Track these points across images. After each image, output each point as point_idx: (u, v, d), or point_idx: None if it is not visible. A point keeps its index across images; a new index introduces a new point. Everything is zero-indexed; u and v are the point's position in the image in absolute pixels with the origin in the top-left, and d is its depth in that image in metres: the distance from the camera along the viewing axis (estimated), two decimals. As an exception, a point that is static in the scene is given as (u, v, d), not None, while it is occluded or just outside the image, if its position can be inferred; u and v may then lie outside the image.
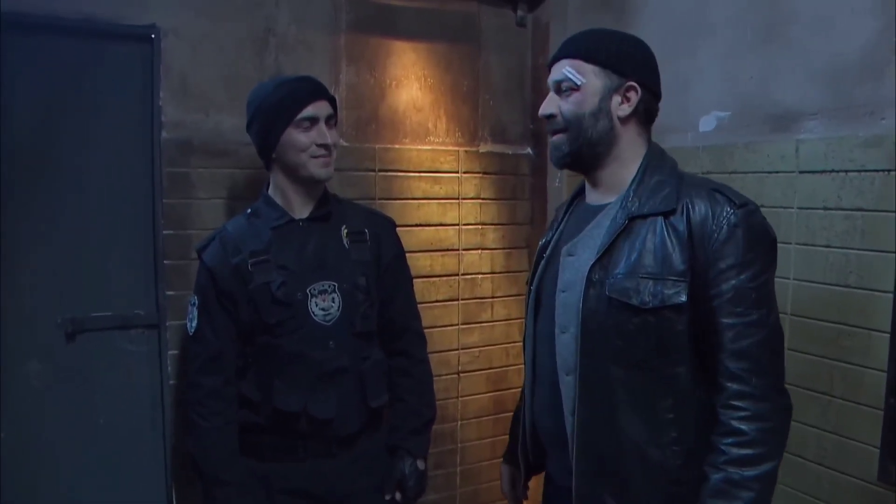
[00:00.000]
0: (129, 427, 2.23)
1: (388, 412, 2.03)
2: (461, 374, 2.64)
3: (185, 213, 2.18)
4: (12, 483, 2.08)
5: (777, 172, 1.94)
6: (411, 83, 2.45)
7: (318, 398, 1.85)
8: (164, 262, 2.18)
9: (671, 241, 1.39)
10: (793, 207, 1.90)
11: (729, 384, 1.35)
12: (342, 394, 1.88)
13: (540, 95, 2.56)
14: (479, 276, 2.62)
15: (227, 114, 2.19)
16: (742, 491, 1.31)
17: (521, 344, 2.59)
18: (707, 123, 2.13)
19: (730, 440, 1.33)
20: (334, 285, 1.87)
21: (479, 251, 2.61)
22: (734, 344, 1.34)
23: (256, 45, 2.23)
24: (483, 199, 2.60)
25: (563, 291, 1.52)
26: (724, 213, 1.37)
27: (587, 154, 1.49)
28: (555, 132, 1.51)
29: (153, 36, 2.12)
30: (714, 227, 1.37)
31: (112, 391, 2.20)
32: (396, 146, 2.44)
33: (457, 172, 2.54)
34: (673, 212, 1.41)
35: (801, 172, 1.88)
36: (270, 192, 1.92)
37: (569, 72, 1.47)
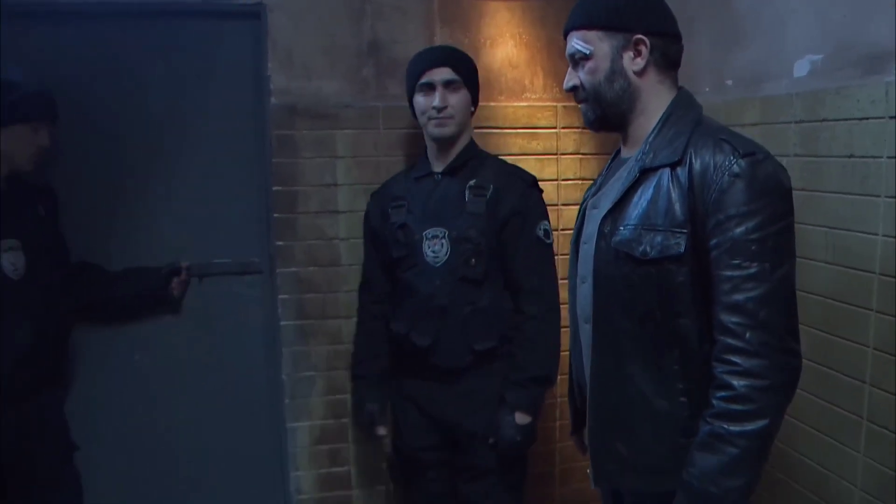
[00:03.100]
0: (245, 362, 2.56)
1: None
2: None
3: (291, 171, 2.42)
4: (140, 403, 2.51)
5: (867, 119, 1.76)
6: (506, 41, 2.49)
7: (420, 327, 2.12)
8: (274, 215, 2.43)
9: (674, 193, 1.38)
10: (882, 157, 1.73)
11: (721, 337, 1.33)
12: (442, 329, 2.11)
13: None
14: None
15: (326, 80, 2.39)
16: (726, 446, 1.30)
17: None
18: (801, 68, 1.96)
19: (720, 394, 1.32)
20: (445, 232, 2.11)
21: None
22: (728, 297, 1.31)
23: (353, 14, 2.39)
24: (583, 154, 2.59)
25: (585, 243, 1.57)
26: (727, 163, 1.33)
27: (612, 115, 1.51)
28: (580, 101, 1.54)
29: (261, 13, 2.35)
30: (715, 178, 1.33)
31: (230, 330, 2.53)
32: (492, 104, 2.50)
33: (554, 128, 2.54)
34: (679, 163, 1.40)
35: (890, 118, 1.70)
36: (427, 150, 2.23)
37: (577, 44, 1.48)
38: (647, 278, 1.40)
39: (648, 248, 1.39)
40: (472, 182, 2.13)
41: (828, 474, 1.85)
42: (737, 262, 1.31)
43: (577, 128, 2.57)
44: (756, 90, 2.10)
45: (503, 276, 2.15)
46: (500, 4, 2.47)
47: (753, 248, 1.30)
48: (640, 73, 1.46)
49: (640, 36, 1.43)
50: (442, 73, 2.09)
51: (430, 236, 2.12)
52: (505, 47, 2.48)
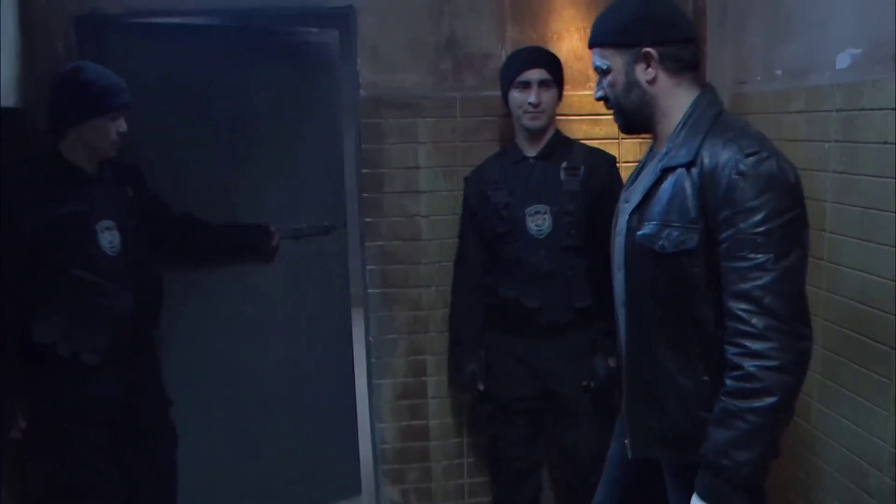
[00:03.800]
0: (324, 303, 3.06)
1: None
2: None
3: (378, 155, 2.72)
4: (234, 352, 2.93)
5: (901, 109, 1.94)
6: (571, 35, 2.73)
7: (528, 291, 2.43)
8: (363, 195, 2.75)
9: (688, 191, 1.53)
10: (915, 145, 1.90)
11: (731, 323, 1.47)
12: (548, 291, 2.42)
13: (701, 37, 2.71)
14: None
15: (409, 74, 2.67)
16: (737, 421, 1.44)
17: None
18: (842, 61, 2.13)
19: (732, 374, 1.46)
20: (547, 208, 2.42)
21: (640, 187, 2.83)
22: (736, 286, 1.46)
23: (433, 14, 2.66)
24: (644, 137, 2.79)
25: (618, 235, 1.73)
26: (733, 162, 1.47)
27: (637, 120, 1.69)
28: (609, 108, 1.72)
29: (350, 14, 2.64)
30: (722, 176, 1.47)
31: (314, 278, 3.02)
32: (559, 93, 2.74)
33: (616, 115, 2.77)
34: (693, 163, 1.54)
35: (919, 109, 1.87)
36: (516, 136, 2.52)
37: (597, 61, 1.68)
38: (666, 270, 1.57)
39: (666, 244, 1.55)
40: (564, 164, 2.45)
41: (861, 432, 2.03)
42: (743, 253, 1.44)
43: (637, 114, 2.78)
44: (802, 80, 2.27)
45: (595, 243, 2.41)
46: (566, 1, 2.71)
47: (759, 240, 1.43)
48: (652, 82, 1.61)
49: (647, 49, 1.58)
50: (537, 74, 2.39)
51: (532, 213, 2.43)
52: (570, 41, 2.72)
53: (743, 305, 1.44)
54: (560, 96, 2.49)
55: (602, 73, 1.67)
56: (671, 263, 1.56)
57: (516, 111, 2.45)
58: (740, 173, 1.46)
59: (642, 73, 1.61)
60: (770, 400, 1.42)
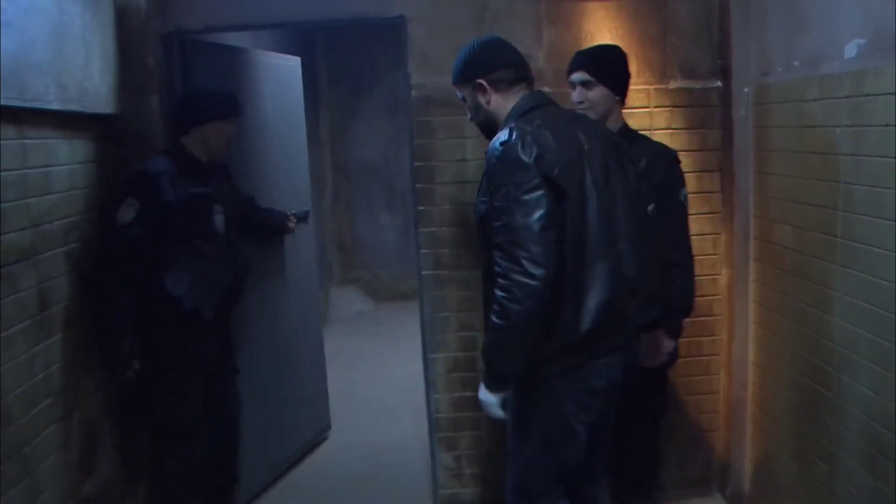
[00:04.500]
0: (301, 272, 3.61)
1: None
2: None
3: (429, 150, 3.01)
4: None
5: (898, 94, 2.11)
6: (604, 35, 2.94)
7: None
8: (416, 185, 3.03)
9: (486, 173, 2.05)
10: (910, 125, 2.07)
11: (494, 267, 1.96)
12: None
13: (727, 32, 2.90)
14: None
15: (456, 74, 2.94)
16: (491, 332, 1.99)
17: (713, 256, 3.02)
18: (850, 50, 2.31)
19: (493, 306, 1.96)
20: None
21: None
22: (494, 240, 1.97)
23: (475, 19, 2.93)
24: (674, 129, 3.00)
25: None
26: (492, 150, 1.99)
27: (491, 130, 2.15)
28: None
29: (402, 23, 2.94)
30: (489, 161, 2.00)
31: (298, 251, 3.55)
32: (593, 89, 2.97)
33: (647, 108, 2.97)
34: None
35: (917, 93, 2.04)
36: None
37: (457, 94, 2.22)
38: (483, 231, 2.06)
39: (477, 212, 2.07)
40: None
41: (878, 399, 2.21)
42: (497, 216, 1.94)
43: (668, 106, 2.99)
44: (816, 70, 2.45)
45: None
46: (598, 4, 2.93)
47: (503, 206, 1.93)
48: (489, 102, 2.13)
49: (479, 80, 2.11)
50: (578, 76, 2.59)
51: None
52: (603, 40, 2.91)
53: (497, 253, 1.95)
54: (616, 92, 2.61)
55: (463, 101, 2.21)
56: (482, 226, 2.07)
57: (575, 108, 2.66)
58: (496, 157, 1.97)
59: (481, 98, 2.14)
60: (505, 321, 1.93)
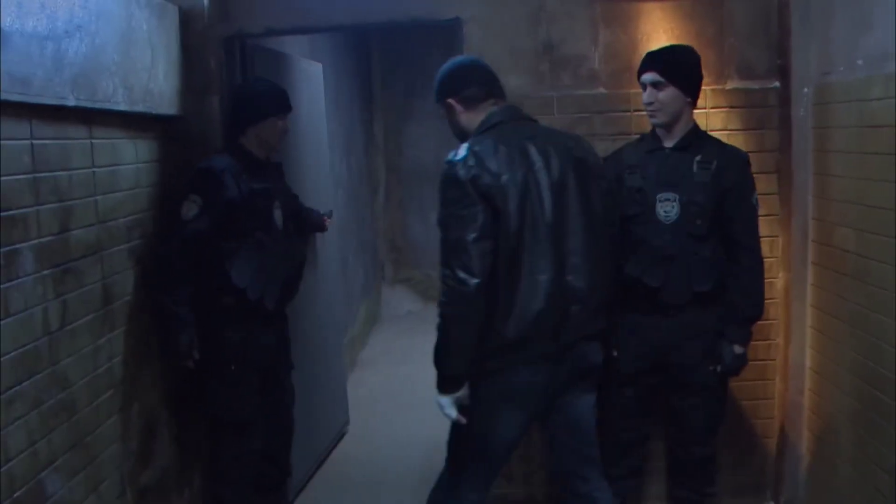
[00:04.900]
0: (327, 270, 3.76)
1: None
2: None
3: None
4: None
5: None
6: (660, 36, 2.92)
7: (651, 272, 2.63)
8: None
9: None
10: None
11: None
12: (670, 273, 2.62)
13: (786, 32, 2.86)
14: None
15: (511, 75, 2.90)
16: (437, 331, 2.18)
17: (770, 259, 2.97)
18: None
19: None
20: (676, 196, 2.62)
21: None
22: (441, 250, 2.16)
23: (530, 20, 2.94)
24: (730, 129, 2.96)
25: None
26: (443, 168, 2.16)
27: (462, 142, 2.26)
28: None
29: (457, 25, 2.97)
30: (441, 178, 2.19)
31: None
32: (648, 90, 2.95)
33: (704, 109, 2.92)
34: None
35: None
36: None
37: (440, 110, 2.40)
38: None
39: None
40: (698, 157, 2.61)
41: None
42: (440, 230, 2.15)
43: (724, 107, 2.96)
44: (881, 68, 2.40)
45: (720, 234, 2.63)
46: (654, 5, 2.92)
47: (442, 221, 2.15)
48: (458, 120, 2.34)
49: (448, 100, 2.33)
50: (649, 76, 2.59)
51: (662, 199, 2.62)
52: (659, 41, 2.90)
53: (442, 263, 2.15)
54: (687, 93, 2.59)
55: (443, 117, 2.40)
56: None
57: (646, 109, 2.65)
58: (441, 176, 2.18)
59: (453, 115, 2.35)
60: (444, 323, 2.15)
